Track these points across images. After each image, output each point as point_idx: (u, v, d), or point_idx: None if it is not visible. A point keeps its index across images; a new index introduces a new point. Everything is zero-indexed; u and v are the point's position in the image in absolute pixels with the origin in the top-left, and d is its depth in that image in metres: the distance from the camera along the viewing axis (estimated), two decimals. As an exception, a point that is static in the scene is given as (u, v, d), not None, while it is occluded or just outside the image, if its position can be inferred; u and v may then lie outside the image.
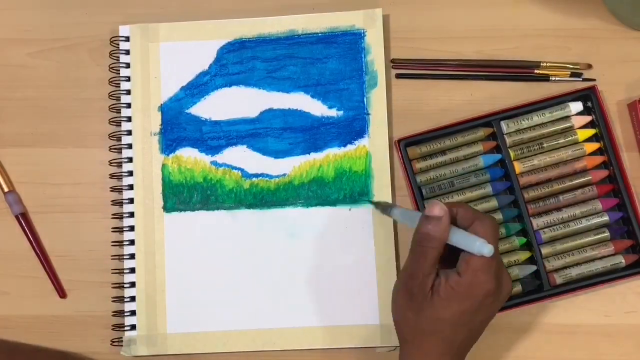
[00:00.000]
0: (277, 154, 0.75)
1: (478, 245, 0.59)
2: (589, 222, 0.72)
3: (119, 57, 0.77)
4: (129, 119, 0.76)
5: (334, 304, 0.73)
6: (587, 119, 0.74)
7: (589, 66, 0.76)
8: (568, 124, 0.74)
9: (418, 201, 0.73)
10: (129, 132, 0.76)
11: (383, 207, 0.70)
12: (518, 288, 0.72)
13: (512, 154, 0.73)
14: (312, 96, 0.76)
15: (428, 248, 0.61)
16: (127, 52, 0.77)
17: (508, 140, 0.73)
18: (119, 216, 0.75)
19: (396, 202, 0.75)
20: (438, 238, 0.61)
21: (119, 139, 0.76)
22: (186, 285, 0.74)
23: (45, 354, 0.74)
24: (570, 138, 0.73)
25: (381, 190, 0.74)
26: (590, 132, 0.74)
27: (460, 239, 0.61)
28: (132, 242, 0.75)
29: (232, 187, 0.75)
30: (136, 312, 0.74)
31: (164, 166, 0.76)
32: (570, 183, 0.73)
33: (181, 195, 0.75)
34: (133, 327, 0.74)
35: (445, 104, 0.76)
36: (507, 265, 0.72)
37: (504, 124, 0.73)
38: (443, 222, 0.61)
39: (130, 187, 0.75)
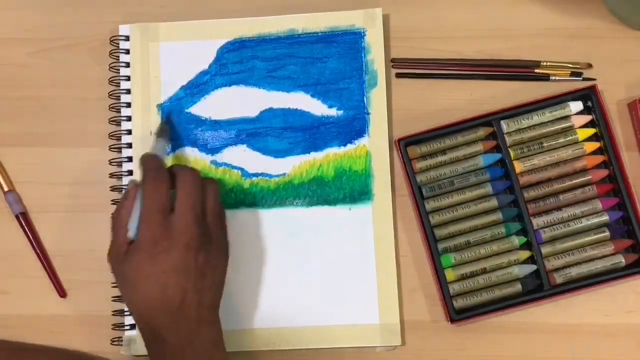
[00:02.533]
0: (277, 153, 0.75)
1: (128, 227, 0.65)
2: (589, 221, 0.72)
3: (118, 56, 0.77)
4: (129, 119, 0.76)
5: (333, 304, 0.73)
6: (587, 118, 0.74)
7: (589, 66, 0.76)
8: (568, 124, 0.74)
9: (418, 201, 0.73)
10: (129, 132, 0.76)
11: (161, 130, 0.73)
12: (518, 288, 0.72)
13: (512, 153, 0.73)
14: (312, 96, 0.76)
15: (116, 219, 0.67)
16: (127, 52, 0.77)
17: (508, 140, 0.73)
18: (119, 216, 0.75)
19: (396, 202, 0.75)
20: (124, 210, 0.66)
21: (119, 139, 0.76)
22: (186, 285, 0.74)
23: (48, 353, 0.74)
24: (570, 137, 0.73)
25: (381, 190, 0.74)
26: (590, 131, 0.74)
27: (132, 213, 0.66)
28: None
29: (232, 187, 0.75)
30: (136, 311, 0.74)
31: (164, 166, 0.75)
32: (570, 182, 0.73)
33: (181, 195, 0.75)
34: (133, 326, 0.74)
35: (445, 103, 0.76)
36: (507, 264, 0.72)
37: (504, 124, 0.73)
38: (130, 195, 0.67)
39: (130, 186, 0.75)
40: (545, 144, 0.73)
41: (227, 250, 0.69)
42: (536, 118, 0.73)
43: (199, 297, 0.65)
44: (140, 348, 0.73)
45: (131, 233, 0.65)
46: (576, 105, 0.73)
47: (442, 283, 0.72)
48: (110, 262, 0.67)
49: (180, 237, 0.64)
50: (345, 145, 0.75)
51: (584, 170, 0.73)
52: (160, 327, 0.64)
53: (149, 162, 0.68)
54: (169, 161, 0.74)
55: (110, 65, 0.77)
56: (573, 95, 0.73)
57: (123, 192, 0.75)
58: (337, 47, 0.76)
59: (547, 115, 0.73)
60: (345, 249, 0.74)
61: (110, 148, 0.76)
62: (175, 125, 0.75)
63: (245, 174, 0.75)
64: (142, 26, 0.77)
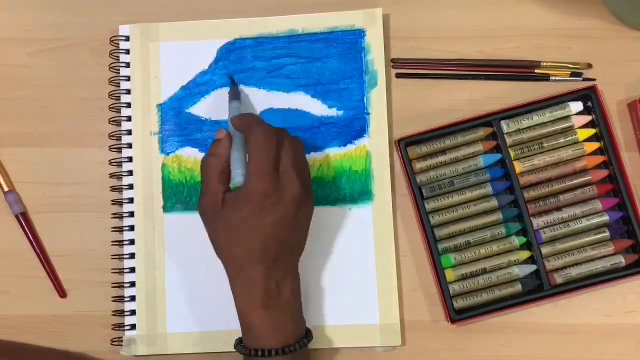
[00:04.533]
0: (277, 153, 0.75)
1: (234, 174, 0.67)
2: (589, 221, 0.72)
3: (118, 56, 0.77)
4: (129, 119, 0.76)
5: (333, 304, 0.73)
6: (587, 118, 0.74)
7: (589, 66, 0.76)
8: (568, 124, 0.74)
9: (418, 201, 0.73)
10: (129, 132, 0.76)
11: (232, 92, 0.74)
12: (518, 288, 0.72)
13: (512, 153, 0.73)
14: (312, 96, 0.76)
15: (211, 167, 0.67)
16: (127, 52, 0.77)
17: (508, 140, 0.73)
18: (119, 216, 0.75)
19: (396, 202, 0.75)
20: (216, 157, 0.67)
21: (119, 139, 0.76)
22: (186, 285, 0.74)
23: (51, 355, 0.74)
24: (571, 138, 0.73)
25: (381, 190, 0.74)
26: (591, 131, 0.74)
27: (233, 161, 0.67)
28: (132, 242, 0.75)
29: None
30: (136, 311, 0.74)
31: (164, 166, 0.76)
32: (570, 183, 0.73)
33: (181, 195, 0.75)
34: (133, 326, 0.74)
35: (445, 103, 0.76)
36: (507, 264, 0.72)
37: (504, 124, 0.73)
38: (221, 143, 0.68)
39: (130, 186, 0.75)
40: (545, 144, 0.73)
41: (313, 203, 0.70)
42: (536, 118, 0.73)
43: (291, 250, 0.68)
44: (140, 348, 0.73)
45: (238, 180, 0.66)
46: (576, 106, 0.73)
47: (442, 283, 0.72)
48: (204, 209, 0.67)
49: (287, 191, 0.65)
50: (345, 145, 0.75)
51: (584, 171, 0.73)
52: (254, 274, 0.65)
53: (248, 118, 0.70)
54: None
55: (110, 65, 0.77)
56: (573, 96, 0.74)
57: (123, 191, 0.75)
58: (337, 47, 0.76)
59: (547, 115, 0.73)
60: (345, 249, 0.74)
61: (110, 148, 0.76)
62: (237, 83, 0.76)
63: (245, 174, 0.75)
64: (142, 26, 0.77)
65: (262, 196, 0.64)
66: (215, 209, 0.66)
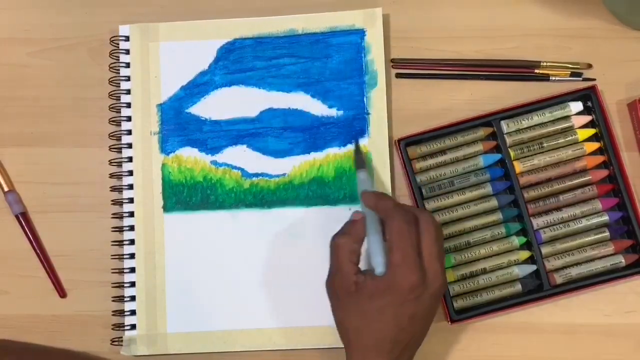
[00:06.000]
0: (277, 153, 0.75)
1: (375, 262, 0.63)
2: (589, 221, 0.72)
3: (118, 56, 0.77)
4: (129, 119, 0.76)
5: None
6: (587, 118, 0.74)
7: (589, 66, 0.76)
8: (568, 124, 0.74)
9: (418, 201, 0.73)
10: (129, 132, 0.76)
11: (357, 161, 0.72)
12: (518, 288, 0.72)
13: (512, 153, 0.73)
14: (312, 96, 0.76)
15: (343, 248, 0.64)
16: (127, 52, 0.77)
17: (508, 140, 0.73)
18: (119, 216, 0.75)
19: (396, 199, 0.75)
20: (351, 239, 0.65)
21: (119, 139, 0.76)
22: (186, 285, 0.74)
23: (55, 355, 0.74)
24: (570, 138, 0.73)
25: (381, 190, 0.74)
26: (591, 131, 0.74)
27: (371, 245, 0.64)
28: (132, 242, 0.75)
29: (232, 187, 0.75)
30: (136, 311, 0.74)
31: (164, 166, 0.76)
32: (570, 183, 0.73)
33: (181, 195, 0.75)
34: (133, 326, 0.74)
35: (445, 103, 0.76)
36: (507, 265, 0.72)
37: (504, 124, 0.73)
38: (357, 225, 0.65)
39: (130, 186, 0.75)
40: (545, 144, 0.73)
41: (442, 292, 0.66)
42: (536, 118, 0.73)
43: (417, 343, 0.65)
44: (140, 348, 0.73)
45: (380, 270, 0.63)
46: (576, 106, 0.73)
47: (442, 283, 0.72)
48: (335, 290, 0.65)
49: (433, 286, 0.62)
50: (345, 145, 0.75)
51: (584, 171, 0.73)
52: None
53: (385, 201, 0.66)
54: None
55: (110, 66, 0.77)
56: (573, 96, 0.74)
57: (123, 191, 0.75)
58: (337, 47, 0.76)
59: (547, 115, 0.73)
60: (345, 249, 0.74)
61: (110, 148, 0.76)
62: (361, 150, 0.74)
63: (245, 174, 0.75)
64: (142, 26, 0.77)
65: (408, 290, 0.61)
66: (349, 291, 0.63)
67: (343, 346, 0.71)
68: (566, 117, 0.74)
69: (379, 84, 0.75)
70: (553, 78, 0.75)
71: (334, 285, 0.65)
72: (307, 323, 0.73)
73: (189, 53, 0.76)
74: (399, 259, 0.62)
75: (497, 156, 0.74)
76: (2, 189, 0.77)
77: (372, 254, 0.64)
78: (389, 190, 0.74)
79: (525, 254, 0.72)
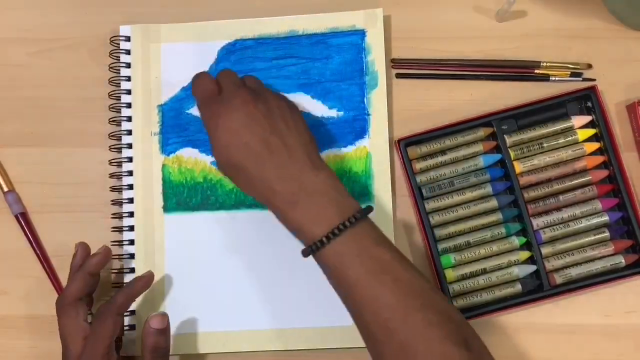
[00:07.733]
0: (278, 154, 0.75)
1: None
2: (589, 222, 0.72)
3: (119, 56, 0.77)
4: (129, 119, 0.76)
5: (334, 305, 0.73)
6: (587, 118, 0.74)
7: (589, 66, 0.76)
8: (568, 124, 0.74)
9: (418, 201, 0.73)
10: (129, 132, 0.76)
11: None
12: (518, 288, 0.72)
13: (512, 153, 0.73)
14: (313, 96, 0.76)
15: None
16: (128, 52, 0.77)
17: (508, 140, 0.73)
18: (119, 216, 0.75)
19: (396, 202, 0.75)
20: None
21: (119, 139, 0.76)
22: (186, 285, 0.74)
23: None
24: (570, 138, 0.73)
25: (381, 191, 0.74)
26: (590, 132, 0.74)
27: None
28: (131, 242, 0.75)
29: (232, 187, 0.75)
30: (135, 311, 0.74)
31: (164, 166, 0.76)
32: (570, 183, 0.73)
33: (181, 195, 0.75)
34: (133, 327, 0.74)
35: (445, 103, 0.76)
36: (507, 265, 0.72)
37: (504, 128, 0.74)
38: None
39: (130, 186, 0.75)
40: (545, 145, 0.73)
41: (290, 102, 0.69)
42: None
43: (281, 139, 0.65)
44: (140, 348, 0.73)
45: None
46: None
47: (442, 283, 0.72)
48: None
49: (232, 101, 0.66)
50: (345, 146, 0.75)
51: (584, 171, 0.73)
52: (270, 182, 0.64)
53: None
54: None
55: (111, 66, 0.77)
56: (573, 96, 0.74)
57: (123, 192, 0.75)
58: (338, 48, 0.76)
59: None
60: (345, 249, 0.74)
61: (110, 148, 0.76)
62: None
63: (245, 174, 0.75)
64: (144, 27, 0.77)
65: (214, 116, 0.67)
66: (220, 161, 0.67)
67: (344, 346, 0.71)
68: (566, 118, 0.74)
69: (379, 84, 0.75)
70: (553, 78, 0.75)
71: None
72: (307, 324, 0.73)
73: (190, 54, 0.76)
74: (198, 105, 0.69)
75: (497, 156, 0.74)
76: (2, 189, 0.77)
77: None
78: (389, 190, 0.74)
79: (525, 254, 0.72)
